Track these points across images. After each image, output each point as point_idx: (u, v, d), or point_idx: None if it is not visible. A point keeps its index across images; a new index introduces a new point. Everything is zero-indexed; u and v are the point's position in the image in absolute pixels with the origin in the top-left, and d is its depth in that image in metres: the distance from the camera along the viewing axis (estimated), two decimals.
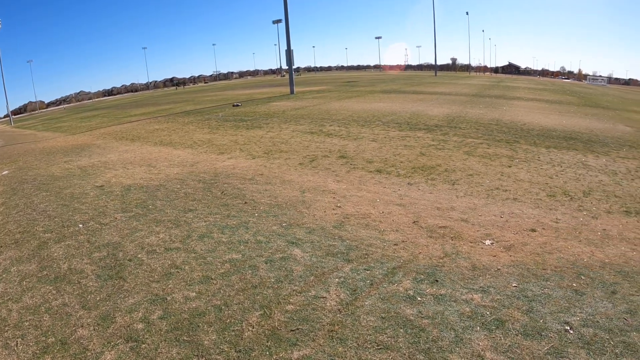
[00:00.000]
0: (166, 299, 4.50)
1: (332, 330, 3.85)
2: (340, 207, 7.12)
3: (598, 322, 3.95)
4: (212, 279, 4.87)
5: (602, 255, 5.44)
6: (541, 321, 3.92)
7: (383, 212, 6.84)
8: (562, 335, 3.71)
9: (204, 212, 7.08)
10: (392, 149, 11.49)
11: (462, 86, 40.84)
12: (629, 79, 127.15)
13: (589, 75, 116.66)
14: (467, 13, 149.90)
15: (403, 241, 5.76)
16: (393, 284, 4.62)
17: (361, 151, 11.26)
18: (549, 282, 4.66)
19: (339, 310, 4.17)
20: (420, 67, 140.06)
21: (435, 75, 74.82)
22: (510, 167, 9.56)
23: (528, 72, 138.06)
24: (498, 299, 4.31)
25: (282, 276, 4.86)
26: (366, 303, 4.27)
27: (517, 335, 3.72)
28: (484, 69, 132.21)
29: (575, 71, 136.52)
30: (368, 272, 4.90)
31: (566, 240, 5.85)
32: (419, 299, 4.33)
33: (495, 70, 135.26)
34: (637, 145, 13.21)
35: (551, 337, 3.70)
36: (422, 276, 4.78)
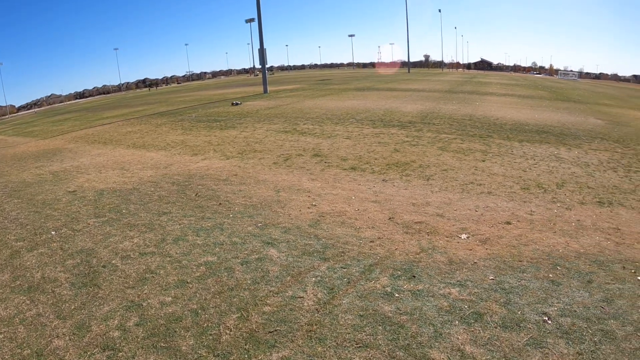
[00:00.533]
0: (142, 305, 4.42)
1: (310, 331, 3.84)
2: (315, 205, 7.13)
3: (575, 311, 4.06)
4: (187, 282, 4.81)
5: (577, 245, 5.60)
6: (519, 313, 4.00)
7: (358, 210, 6.88)
8: (540, 326, 3.79)
9: (178, 214, 6.98)
10: (367, 146, 11.57)
11: (435, 83, 41.40)
12: (599, 74, 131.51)
13: (560, 70, 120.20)
14: (439, 10, 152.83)
15: (379, 238, 5.80)
16: (370, 281, 4.64)
17: (335, 149, 11.30)
18: (525, 274, 4.76)
19: (316, 309, 4.16)
20: (393, 64, 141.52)
21: (409, 72, 75.78)
22: (484, 161, 9.76)
23: (500, 67, 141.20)
24: (476, 292, 4.38)
25: (259, 277, 4.83)
26: (344, 301, 4.28)
27: (496, 328, 3.78)
28: (457, 65, 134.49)
29: (547, 66, 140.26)
30: (345, 270, 4.92)
31: (541, 231, 6.00)
32: (396, 295, 4.36)
33: (468, 66, 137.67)
34: (609, 138, 13.67)
35: (530, 328, 3.77)
36: (399, 272, 4.82)
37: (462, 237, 5.79)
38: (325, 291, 4.48)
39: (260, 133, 14.37)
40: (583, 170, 9.27)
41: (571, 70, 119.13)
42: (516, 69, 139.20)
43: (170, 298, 4.51)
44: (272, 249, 5.54)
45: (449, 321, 3.90)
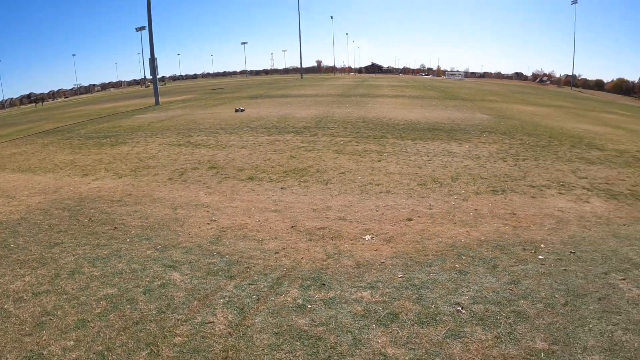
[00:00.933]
0: (42, 354, 3.78)
1: (226, 357, 3.57)
2: (215, 220, 6.79)
3: (486, 297, 4.22)
4: (88, 321, 4.24)
5: (477, 233, 5.91)
6: (433, 307, 4.04)
7: (259, 221, 6.67)
8: (455, 317, 3.86)
9: (71, 244, 6.23)
10: (262, 154, 11.38)
11: (328, 87, 42.57)
12: (484, 73, 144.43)
13: (447, 70, 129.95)
14: (331, 17, 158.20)
15: (284, 248, 5.64)
16: (280, 295, 4.45)
17: (231, 160, 10.98)
18: (433, 268, 4.87)
19: (229, 333, 3.88)
20: (286, 71, 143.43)
21: (302, 78, 76.99)
22: (380, 161, 10.06)
23: (390, 70, 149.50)
24: (387, 292, 4.36)
25: (164, 306, 4.42)
26: (256, 320, 4.04)
27: (413, 325, 3.77)
28: (349, 69, 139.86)
29: (435, 68, 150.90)
30: (253, 286, 4.67)
31: (442, 224, 6.25)
32: (309, 306, 4.21)
33: (359, 70, 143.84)
34: (496, 131, 14.86)
35: (446, 320, 3.82)
36: (309, 282, 4.67)
37: (367, 239, 5.83)
38: (235, 312, 4.21)
39: (153, 147, 13.58)
40: (475, 162, 9.92)
41: (457, 71, 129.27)
42: (405, 71, 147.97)
43: (72, 342, 3.93)
44: (175, 273, 5.13)
45: (366, 326, 3.81)
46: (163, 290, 4.73)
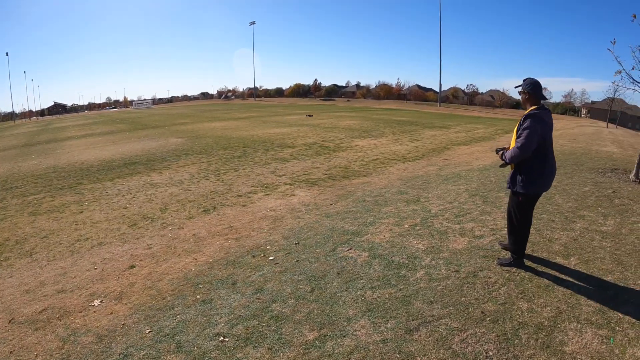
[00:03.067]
0: None
1: None
2: None
3: (240, 315, 4.10)
4: None
5: (204, 257, 5.72)
6: (196, 349, 3.69)
7: None
8: (222, 348, 3.62)
9: None
10: None
11: (9, 138, 36.07)
12: (171, 97, 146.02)
13: (134, 100, 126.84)
14: (7, 54, 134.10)
15: (11, 352, 4.26)
16: None
17: None
18: (176, 309, 4.46)
19: None
20: None
21: None
22: (82, 212, 8.80)
23: (75, 109, 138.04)
24: (144, 354, 3.73)
25: None
26: None
27: None
28: (30, 114, 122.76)
29: (122, 99, 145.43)
30: None
31: (167, 260, 5.80)
32: None
33: (42, 113, 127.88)
34: (192, 152, 14.96)
35: (215, 356, 3.54)
36: None
37: (96, 304, 4.92)
38: None
39: None
40: (179, 187, 9.70)
41: (145, 99, 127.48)
42: (91, 107, 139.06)
43: None
44: None
45: None
46: None
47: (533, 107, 4.39)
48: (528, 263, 4.95)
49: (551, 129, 4.50)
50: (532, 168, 4.42)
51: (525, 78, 4.51)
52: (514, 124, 33.41)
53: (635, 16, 9.60)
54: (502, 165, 4.77)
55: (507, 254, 5.11)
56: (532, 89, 4.43)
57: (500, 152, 4.67)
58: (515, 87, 4.62)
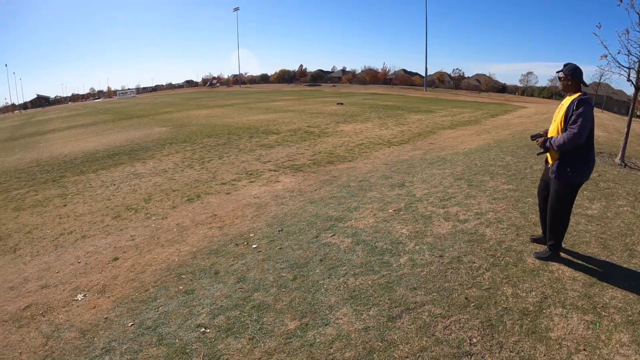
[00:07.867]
0: None
1: None
2: None
3: (222, 306, 4.06)
4: None
5: (188, 247, 5.66)
6: (177, 341, 3.63)
7: None
8: (204, 340, 3.57)
9: None
10: None
11: None
12: (156, 86, 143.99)
13: (118, 90, 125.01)
14: None
15: None
16: None
17: None
18: (159, 301, 4.40)
19: None
20: None
21: None
22: (65, 205, 8.66)
23: (59, 100, 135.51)
24: (126, 348, 3.69)
25: None
26: None
27: None
28: (12, 107, 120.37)
29: (105, 89, 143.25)
30: None
31: (150, 251, 5.72)
32: None
33: (24, 106, 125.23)
34: (176, 141, 14.79)
35: (197, 348, 3.49)
36: None
37: (79, 299, 4.84)
38: None
39: None
40: (163, 177, 9.57)
41: (129, 89, 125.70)
42: (75, 98, 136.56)
43: None
44: None
45: None
46: None
47: (580, 93, 4.26)
48: (516, 248, 4.96)
49: None
50: (580, 156, 4.28)
51: (566, 63, 4.36)
52: (499, 108, 33.47)
53: (621, 0, 9.60)
54: (539, 153, 4.66)
55: (542, 248, 4.91)
56: (576, 74, 4.30)
57: (541, 140, 4.48)
58: (557, 72, 4.45)
